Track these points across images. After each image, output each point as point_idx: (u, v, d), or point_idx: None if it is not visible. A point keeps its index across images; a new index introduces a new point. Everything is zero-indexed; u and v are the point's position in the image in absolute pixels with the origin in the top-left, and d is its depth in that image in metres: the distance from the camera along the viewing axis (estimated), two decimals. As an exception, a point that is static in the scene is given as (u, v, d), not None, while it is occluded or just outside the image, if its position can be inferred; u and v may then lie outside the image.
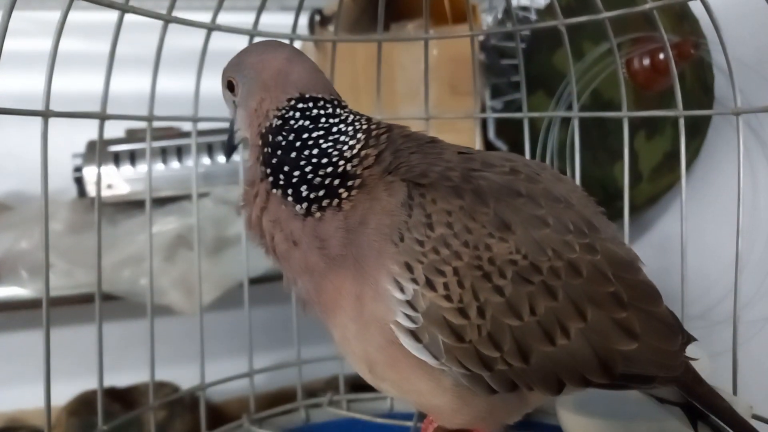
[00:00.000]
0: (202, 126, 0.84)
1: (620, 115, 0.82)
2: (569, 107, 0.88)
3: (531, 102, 1.01)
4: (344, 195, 0.53)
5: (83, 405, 1.26)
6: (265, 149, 0.56)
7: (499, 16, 1.25)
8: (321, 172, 0.54)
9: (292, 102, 0.56)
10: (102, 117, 0.71)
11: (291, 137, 0.55)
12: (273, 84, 0.57)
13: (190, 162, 1.17)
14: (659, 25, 0.74)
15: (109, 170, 1.19)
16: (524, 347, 0.51)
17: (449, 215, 0.51)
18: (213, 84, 0.86)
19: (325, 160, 0.54)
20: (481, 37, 1.18)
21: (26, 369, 1.01)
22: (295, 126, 0.56)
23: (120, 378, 1.26)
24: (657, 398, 0.62)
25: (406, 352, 0.52)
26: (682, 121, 0.76)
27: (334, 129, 0.56)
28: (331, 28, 0.96)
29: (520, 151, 0.91)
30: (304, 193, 0.54)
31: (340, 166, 0.54)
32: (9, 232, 1.16)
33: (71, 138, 1.10)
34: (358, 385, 0.97)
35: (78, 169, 1.20)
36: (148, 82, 0.77)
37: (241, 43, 0.82)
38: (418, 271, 0.50)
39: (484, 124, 1.17)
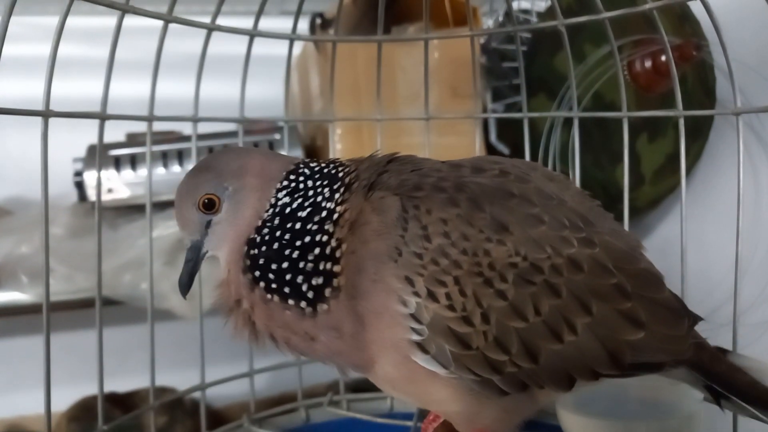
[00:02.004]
0: (203, 129, 0.84)
1: (620, 115, 0.82)
2: (570, 109, 0.88)
3: (532, 105, 1.00)
4: (338, 270, 0.53)
5: (84, 411, 1.26)
6: (251, 251, 0.54)
7: (500, 18, 1.25)
8: (310, 257, 0.53)
9: (278, 186, 0.56)
10: (102, 117, 0.70)
11: (276, 221, 0.54)
12: (261, 183, 0.56)
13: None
14: (659, 26, 0.73)
15: (109, 174, 1.18)
16: (532, 348, 0.51)
17: (445, 224, 0.51)
18: (213, 86, 0.86)
19: (308, 239, 0.53)
20: (482, 40, 1.18)
21: (26, 374, 1.01)
22: (278, 205, 0.55)
23: (120, 383, 1.25)
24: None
25: (420, 365, 0.52)
26: (682, 122, 0.75)
27: (310, 192, 0.55)
28: (332, 31, 0.96)
29: (521, 153, 0.91)
30: (304, 288, 0.53)
31: (325, 245, 0.53)
32: (9, 236, 1.16)
33: (72, 142, 1.10)
34: (358, 387, 0.97)
35: (78, 174, 1.20)
36: (148, 86, 0.77)
37: (241, 45, 0.83)
38: (419, 283, 0.50)
39: (485, 126, 1.16)
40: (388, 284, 0.51)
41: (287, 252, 0.53)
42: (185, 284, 0.59)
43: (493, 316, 0.51)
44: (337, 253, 0.53)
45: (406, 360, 0.52)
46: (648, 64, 1.07)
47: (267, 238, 0.54)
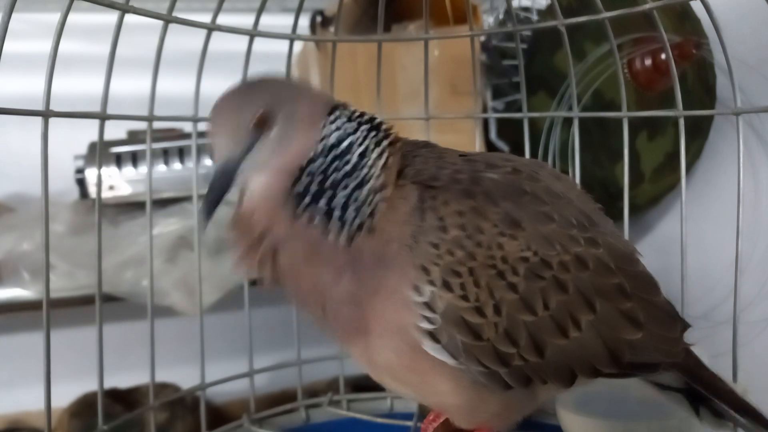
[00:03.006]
0: (203, 127, 0.84)
1: (620, 115, 0.82)
2: (570, 108, 0.88)
3: (532, 103, 1.00)
4: (382, 207, 0.52)
5: (84, 407, 1.26)
6: (302, 178, 0.53)
7: (500, 16, 1.25)
8: (366, 187, 0.52)
9: (326, 122, 0.55)
10: (102, 117, 0.71)
11: (330, 155, 0.53)
12: (311, 114, 0.55)
13: (191, 163, 1.17)
14: (659, 25, 0.73)
15: (110, 171, 1.19)
16: (539, 342, 0.52)
17: (461, 216, 0.52)
18: (213, 84, 0.86)
19: (365, 171, 0.53)
20: (483, 38, 1.18)
21: (27, 370, 1.01)
22: (331, 136, 0.54)
23: (121, 379, 1.26)
24: (659, 385, 0.64)
25: (426, 355, 0.52)
26: (682, 121, 0.75)
27: (359, 134, 0.54)
28: (332, 29, 0.96)
29: (521, 151, 0.91)
30: (352, 214, 0.52)
31: (380, 176, 0.53)
32: (10, 233, 1.16)
33: (73, 139, 1.10)
34: (358, 385, 0.97)
35: (80, 171, 1.21)
36: (149, 84, 0.77)
37: (241, 43, 0.83)
38: (434, 273, 0.51)
39: (485, 124, 1.17)
40: (403, 269, 0.51)
41: (345, 182, 0.52)
42: (215, 202, 0.53)
43: (504, 308, 0.51)
44: (381, 195, 0.52)
45: (413, 348, 0.52)
46: (648, 62, 1.07)
47: (322, 168, 0.53)
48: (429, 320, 0.51)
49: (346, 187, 0.52)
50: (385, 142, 0.55)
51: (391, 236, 0.52)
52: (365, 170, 0.53)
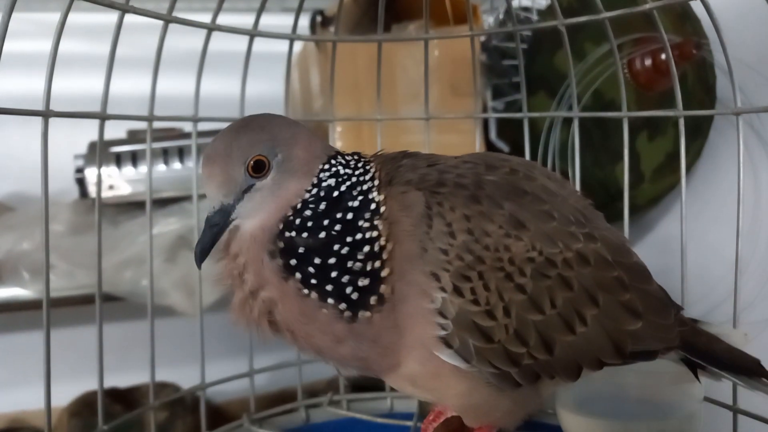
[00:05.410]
0: (203, 127, 0.84)
1: (620, 115, 0.82)
2: (570, 108, 0.88)
3: (532, 103, 1.00)
4: (384, 274, 0.50)
5: (84, 406, 1.26)
6: (287, 233, 0.51)
7: (501, 16, 1.25)
8: (360, 255, 0.50)
9: (321, 166, 0.54)
10: (102, 117, 0.70)
11: (322, 206, 0.51)
12: (308, 158, 0.53)
13: (191, 163, 1.17)
14: (660, 26, 0.73)
15: (110, 171, 1.19)
16: (548, 340, 0.53)
17: (468, 221, 0.52)
18: (213, 84, 0.86)
19: (359, 235, 0.51)
20: (483, 38, 1.18)
21: (27, 370, 1.02)
22: (323, 187, 0.52)
23: (121, 379, 1.26)
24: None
25: (444, 360, 0.53)
26: (682, 121, 0.75)
27: (354, 179, 0.53)
28: (332, 29, 0.96)
29: (521, 151, 0.91)
30: (348, 289, 0.50)
31: (374, 241, 0.51)
32: (10, 233, 1.16)
33: (73, 139, 1.10)
34: (358, 385, 0.97)
35: (79, 170, 1.21)
36: (149, 83, 0.77)
37: (241, 43, 0.83)
38: (445, 279, 0.51)
39: (485, 124, 1.17)
40: (419, 283, 0.51)
41: (336, 247, 0.50)
42: (207, 250, 0.53)
43: (513, 309, 0.52)
44: (384, 255, 0.51)
45: (433, 356, 0.53)
46: (648, 62, 1.07)
47: (310, 223, 0.51)
48: (441, 326, 0.51)
49: (339, 249, 0.50)
50: (375, 195, 0.53)
51: (401, 255, 0.51)
52: (360, 234, 0.51)
